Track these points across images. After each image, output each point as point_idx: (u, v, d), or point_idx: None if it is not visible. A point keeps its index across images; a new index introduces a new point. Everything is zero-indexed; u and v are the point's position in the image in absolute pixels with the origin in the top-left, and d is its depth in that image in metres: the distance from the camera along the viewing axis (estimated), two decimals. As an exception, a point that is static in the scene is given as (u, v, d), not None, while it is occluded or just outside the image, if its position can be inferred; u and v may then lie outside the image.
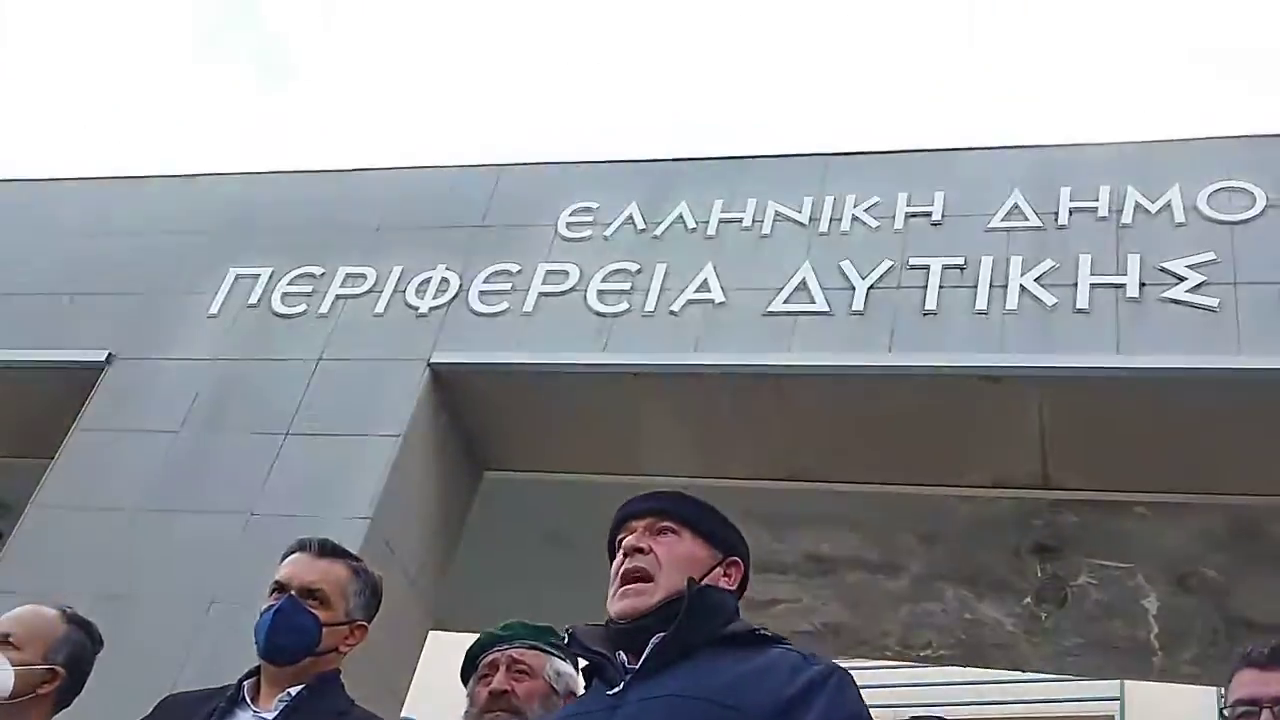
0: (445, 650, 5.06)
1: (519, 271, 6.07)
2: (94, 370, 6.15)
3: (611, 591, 2.26)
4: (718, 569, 2.30)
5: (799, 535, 6.28)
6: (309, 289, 6.25)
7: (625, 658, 2.17)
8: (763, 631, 2.22)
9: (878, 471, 5.82)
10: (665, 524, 2.32)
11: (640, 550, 2.27)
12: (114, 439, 5.87)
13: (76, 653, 3.16)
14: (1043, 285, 5.42)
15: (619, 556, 2.30)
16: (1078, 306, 5.31)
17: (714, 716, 1.98)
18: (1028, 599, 6.45)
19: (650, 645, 2.14)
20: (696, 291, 5.79)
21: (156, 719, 2.86)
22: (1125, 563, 6.16)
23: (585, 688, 2.30)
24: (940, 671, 9.39)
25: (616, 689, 2.11)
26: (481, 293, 6.04)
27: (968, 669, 9.22)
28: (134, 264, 6.60)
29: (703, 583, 2.23)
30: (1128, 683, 11.28)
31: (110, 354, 6.19)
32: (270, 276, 6.33)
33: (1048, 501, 5.78)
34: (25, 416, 6.39)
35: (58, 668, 3.10)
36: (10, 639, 3.06)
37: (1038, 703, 11.67)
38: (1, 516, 6.95)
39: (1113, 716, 11.63)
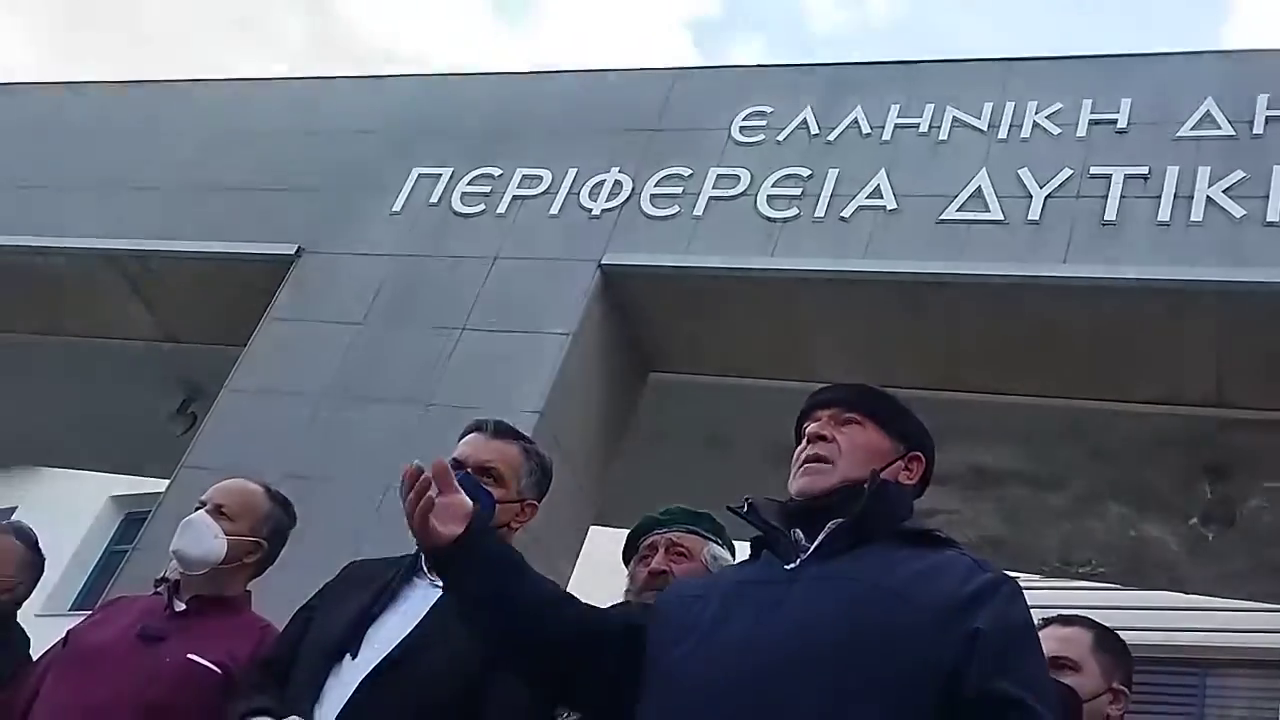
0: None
1: (690, 175, 6.10)
2: (284, 263, 6.43)
3: (792, 473, 2.32)
4: (899, 462, 2.33)
5: (962, 446, 6.24)
6: (487, 189, 6.40)
7: (801, 536, 2.22)
8: (937, 533, 2.25)
9: (1045, 384, 5.74)
10: (850, 415, 2.34)
11: (823, 438, 2.31)
12: (301, 329, 6.15)
13: (277, 527, 3.40)
14: (1231, 197, 5.21)
15: (803, 443, 2.35)
16: (1268, 220, 5.10)
17: (890, 606, 2.02)
18: (1194, 519, 6.29)
19: (827, 529, 2.19)
20: (868, 198, 5.74)
21: (342, 582, 3.03)
22: (1301, 487, 5.99)
23: (753, 559, 2.33)
24: (1102, 595, 9.24)
25: (793, 564, 2.17)
26: (653, 196, 6.10)
27: (1130, 595, 9.06)
28: (323, 162, 6.85)
29: (884, 475, 2.26)
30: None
31: (300, 248, 6.46)
32: (451, 176, 6.50)
33: (1221, 420, 5.61)
34: (220, 306, 6.74)
35: (262, 540, 3.34)
36: (223, 510, 3.29)
37: (1201, 631, 11.36)
38: (196, 400, 7.40)
39: (1283, 651, 11.26)
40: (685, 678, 2.07)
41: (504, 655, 2.35)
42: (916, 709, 1.93)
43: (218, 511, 3.28)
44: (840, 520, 2.19)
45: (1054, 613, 3.08)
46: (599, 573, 4.79)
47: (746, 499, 2.32)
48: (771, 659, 2.00)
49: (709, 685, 2.02)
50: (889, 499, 2.24)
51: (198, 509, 3.30)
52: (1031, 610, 2.14)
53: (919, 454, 2.37)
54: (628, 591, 3.13)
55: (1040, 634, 2.76)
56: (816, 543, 2.18)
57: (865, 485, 2.22)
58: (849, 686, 1.94)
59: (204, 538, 3.23)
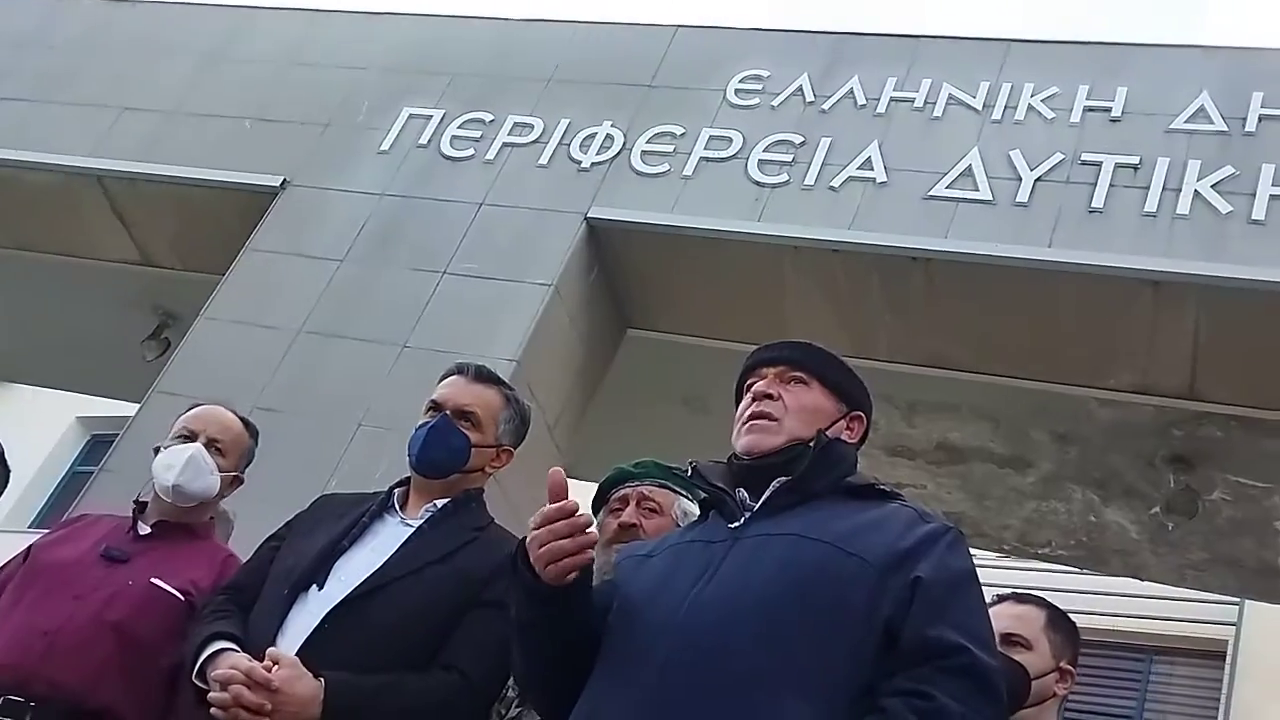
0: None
1: (682, 134, 6.08)
2: (268, 194, 6.38)
3: (736, 430, 2.32)
4: (841, 421, 2.34)
5: (932, 422, 6.28)
6: (477, 134, 6.36)
7: (746, 496, 2.23)
8: (881, 486, 2.27)
9: (1020, 366, 5.77)
10: (796, 373, 2.35)
11: (769, 396, 2.31)
12: (282, 262, 6.11)
13: (250, 461, 3.40)
14: (1219, 192, 5.24)
15: (746, 399, 2.34)
16: (1253, 217, 5.14)
17: (833, 559, 2.04)
18: (1156, 508, 6.36)
19: (772, 487, 2.20)
20: (859, 169, 5.75)
21: (312, 515, 3.03)
22: (1264, 482, 6.04)
23: (701, 520, 2.34)
24: (1051, 578, 9.34)
25: (737, 523, 2.18)
26: (644, 152, 6.08)
27: (1082, 579, 9.14)
28: (314, 95, 6.78)
29: (827, 434, 2.28)
30: (1247, 612, 11.06)
31: (285, 180, 6.40)
32: (442, 119, 6.45)
33: (1191, 413, 5.67)
34: (201, 233, 6.69)
35: (242, 475, 3.34)
36: (218, 445, 3.27)
37: (1150, 619, 11.50)
38: (172, 326, 7.35)
39: (1226, 641, 11.41)
40: (627, 636, 2.09)
41: (540, 672, 2.26)
42: (851, 652, 1.95)
43: (212, 446, 3.25)
44: (785, 478, 2.20)
45: (1006, 592, 3.11)
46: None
47: (691, 463, 2.32)
48: (710, 610, 2.02)
49: (649, 642, 2.03)
50: (834, 457, 2.25)
51: (185, 439, 3.26)
52: (984, 588, 2.16)
53: (860, 413, 2.39)
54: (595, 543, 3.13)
55: (994, 610, 2.79)
56: (761, 501, 2.20)
57: (810, 444, 2.23)
58: (783, 631, 1.96)
59: (203, 474, 3.21)
